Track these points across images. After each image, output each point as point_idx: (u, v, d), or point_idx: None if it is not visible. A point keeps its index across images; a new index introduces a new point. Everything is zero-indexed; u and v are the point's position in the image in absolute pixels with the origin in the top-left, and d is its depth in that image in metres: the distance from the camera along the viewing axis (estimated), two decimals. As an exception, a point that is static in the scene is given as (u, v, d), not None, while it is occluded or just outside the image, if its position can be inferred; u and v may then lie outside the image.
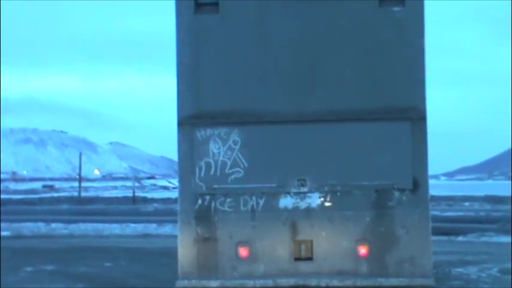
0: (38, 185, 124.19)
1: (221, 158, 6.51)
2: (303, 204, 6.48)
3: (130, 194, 50.97)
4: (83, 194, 59.63)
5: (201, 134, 6.52)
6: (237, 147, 6.51)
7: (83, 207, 41.07)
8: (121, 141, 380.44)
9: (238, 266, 6.42)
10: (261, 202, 6.49)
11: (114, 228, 23.01)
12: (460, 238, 17.72)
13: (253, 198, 6.49)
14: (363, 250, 6.37)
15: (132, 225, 23.71)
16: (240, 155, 6.51)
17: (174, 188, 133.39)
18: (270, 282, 6.35)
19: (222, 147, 6.52)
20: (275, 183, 6.47)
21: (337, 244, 6.39)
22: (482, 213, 27.53)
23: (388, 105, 6.44)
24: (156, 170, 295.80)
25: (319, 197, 6.47)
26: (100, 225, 23.80)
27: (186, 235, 6.48)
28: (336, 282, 6.31)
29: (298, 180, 6.48)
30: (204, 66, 6.55)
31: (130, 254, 14.46)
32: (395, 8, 6.48)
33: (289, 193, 6.49)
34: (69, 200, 50.54)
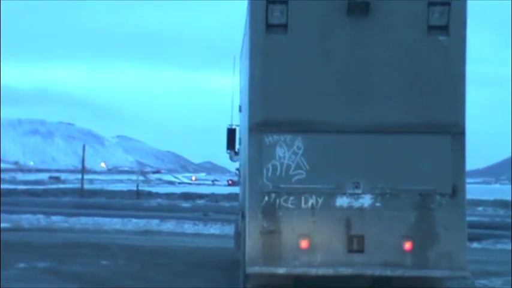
0: (44, 176, 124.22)
1: (286, 161, 7.38)
2: (356, 204, 7.36)
3: (135, 188, 50.19)
4: (88, 186, 58.98)
5: (268, 139, 7.40)
6: (300, 152, 7.39)
7: (86, 200, 40.42)
8: (128, 134, 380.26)
9: (299, 256, 7.30)
10: (320, 201, 7.36)
11: (116, 223, 22.35)
12: (475, 244, 16.89)
13: (313, 197, 7.36)
14: (407, 245, 7.27)
15: (134, 220, 23.02)
16: (302, 159, 7.38)
17: (179, 183, 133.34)
18: (330, 271, 7.23)
19: (287, 152, 7.39)
20: (333, 184, 7.36)
21: (386, 239, 7.28)
22: (497, 219, 26.72)
23: (432, 121, 7.35)
24: (161, 165, 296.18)
25: (371, 198, 7.37)
26: (101, 220, 23.12)
27: (253, 228, 7.34)
28: (388, 273, 7.22)
29: (353, 183, 7.35)
30: (272, 79, 7.41)
31: (128, 252, 13.77)
32: (441, 37, 7.37)
33: (344, 194, 7.37)
34: (74, 192, 49.92)
